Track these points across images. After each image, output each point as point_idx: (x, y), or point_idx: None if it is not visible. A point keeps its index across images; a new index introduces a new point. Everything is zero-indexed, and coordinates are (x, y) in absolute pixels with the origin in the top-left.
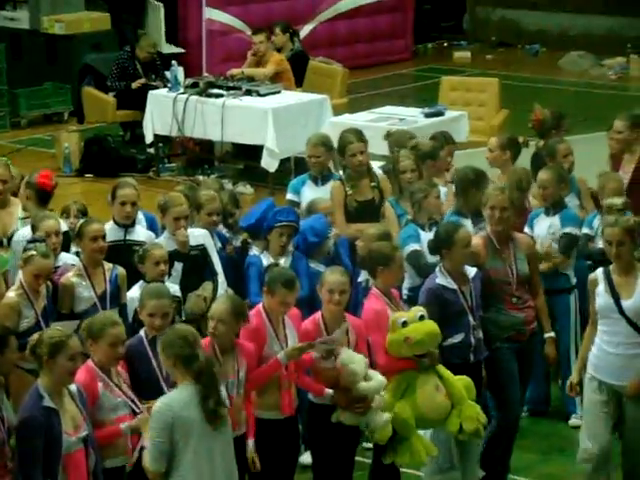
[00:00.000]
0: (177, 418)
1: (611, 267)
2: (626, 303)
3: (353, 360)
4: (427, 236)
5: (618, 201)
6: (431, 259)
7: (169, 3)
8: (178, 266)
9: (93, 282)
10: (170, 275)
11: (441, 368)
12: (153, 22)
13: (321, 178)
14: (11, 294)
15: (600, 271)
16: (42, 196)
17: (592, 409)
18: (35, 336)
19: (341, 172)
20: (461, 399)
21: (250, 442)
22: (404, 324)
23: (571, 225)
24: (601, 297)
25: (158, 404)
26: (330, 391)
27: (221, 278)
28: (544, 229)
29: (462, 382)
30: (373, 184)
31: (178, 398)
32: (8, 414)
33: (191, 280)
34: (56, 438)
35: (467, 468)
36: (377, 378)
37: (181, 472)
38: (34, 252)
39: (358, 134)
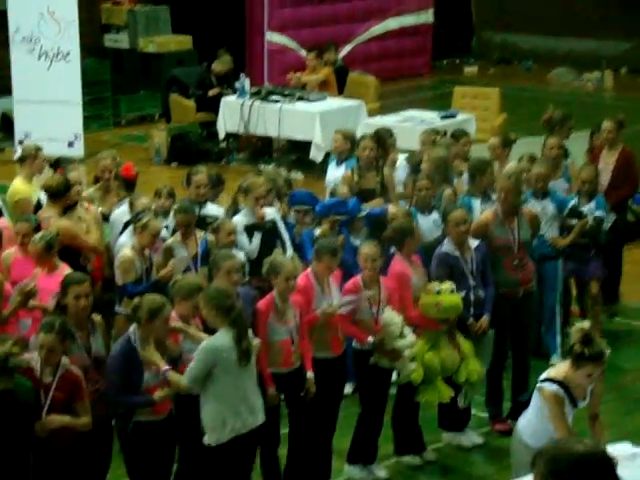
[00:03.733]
0: (220, 359)
1: (563, 380)
2: (581, 404)
3: (393, 321)
4: (425, 218)
5: (587, 326)
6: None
7: (239, 27)
8: (257, 235)
9: (189, 247)
10: (251, 243)
11: (455, 331)
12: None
13: (340, 160)
14: (126, 251)
15: (560, 390)
16: (127, 184)
17: None
18: (136, 300)
19: None
20: (468, 355)
21: (309, 373)
22: (438, 292)
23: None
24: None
25: (207, 345)
26: (371, 339)
27: (288, 244)
28: (538, 212)
29: (468, 343)
30: (377, 179)
31: (221, 342)
32: (97, 347)
33: (266, 246)
34: (138, 371)
35: None
36: (410, 337)
37: (218, 395)
38: (147, 218)
39: (374, 137)
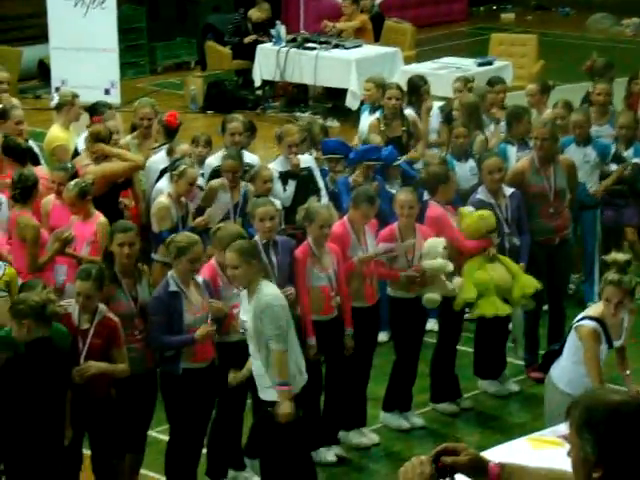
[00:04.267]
0: (282, 306)
1: (600, 317)
2: (616, 343)
3: (435, 242)
4: (461, 166)
5: (622, 258)
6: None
7: None
8: (292, 183)
9: (232, 194)
10: (285, 190)
11: (499, 255)
12: None
13: (373, 109)
14: (162, 199)
15: (598, 326)
16: (169, 131)
17: None
18: (170, 237)
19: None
20: (517, 272)
21: (349, 330)
22: (470, 212)
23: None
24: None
25: (268, 299)
26: (404, 272)
27: (323, 192)
28: (580, 159)
29: (516, 265)
30: (403, 128)
31: (274, 292)
32: (142, 295)
33: (301, 194)
34: (178, 313)
35: None
36: (440, 260)
37: (290, 347)
38: (184, 165)
39: (399, 86)
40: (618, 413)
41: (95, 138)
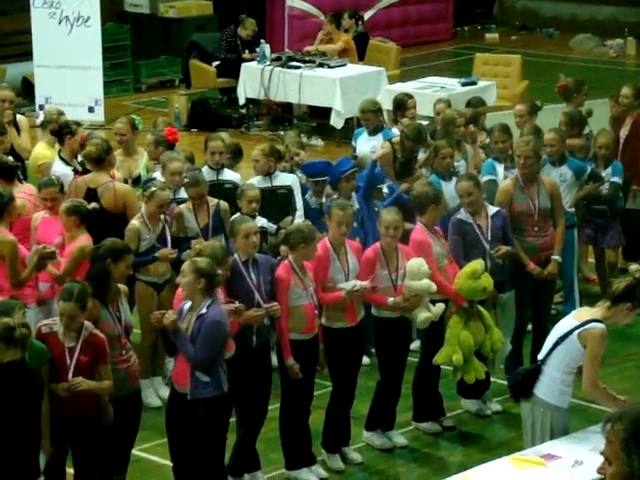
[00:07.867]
0: None
1: (603, 319)
2: None
3: (416, 262)
4: (446, 185)
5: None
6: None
7: None
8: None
9: (197, 216)
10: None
11: (476, 303)
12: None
13: (373, 131)
14: (134, 222)
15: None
16: (170, 147)
17: None
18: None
19: (395, 129)
20: (491, 326)
21: (321, 345)
22: (479, 277)
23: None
24: None
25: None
26: (391, 299)
27: (299, 213)
28: (556, 178)
29: (487, 312)
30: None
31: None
32: (126, 315)
33: (279, 213)
34: None
35: None
36: (426, 281)
37: None
38: (154, 187)
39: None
40: None
41: (88, 158)
